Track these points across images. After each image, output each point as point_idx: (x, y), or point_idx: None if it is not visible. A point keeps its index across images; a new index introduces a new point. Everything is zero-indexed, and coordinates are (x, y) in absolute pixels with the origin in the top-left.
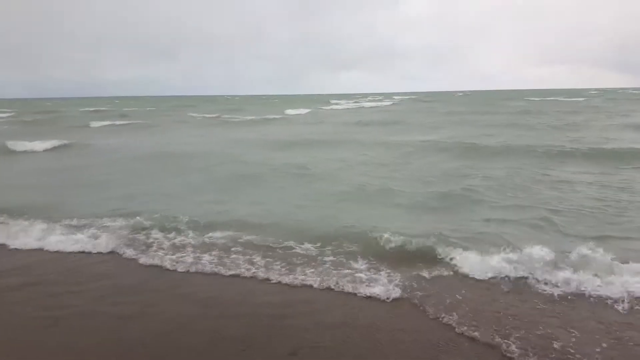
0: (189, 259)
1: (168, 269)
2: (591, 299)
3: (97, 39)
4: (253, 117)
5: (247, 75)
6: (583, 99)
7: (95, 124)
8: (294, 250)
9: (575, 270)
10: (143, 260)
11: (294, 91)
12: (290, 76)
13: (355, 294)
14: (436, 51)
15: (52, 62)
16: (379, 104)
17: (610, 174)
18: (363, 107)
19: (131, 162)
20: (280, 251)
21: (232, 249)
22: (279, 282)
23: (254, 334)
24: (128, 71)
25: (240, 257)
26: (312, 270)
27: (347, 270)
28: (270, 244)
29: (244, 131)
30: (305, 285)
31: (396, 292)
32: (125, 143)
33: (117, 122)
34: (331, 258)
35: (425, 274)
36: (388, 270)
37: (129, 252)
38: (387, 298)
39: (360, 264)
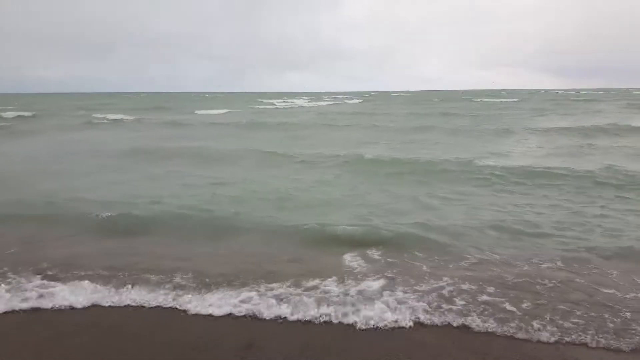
0: None
1: None
2: None
3: (30, 35)
4: (151, 117)
5: (192, 73)
6: (515, 99)
7: None
8: None
9: None
10: None
11: (240, 89)
12: (236, 75)
13: None
14: (380, 53)
15: None
16: (316, 103)
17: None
18: (295, 106)
19: None
20: None
21: None
22: None
23: None
24: (65, 67)
25: None
26: None
27: None
28: None
29: (109, 137)
30: None
31: None
32: None
33: None
34: None
35: None
36: None
37: None
38: None
39: None
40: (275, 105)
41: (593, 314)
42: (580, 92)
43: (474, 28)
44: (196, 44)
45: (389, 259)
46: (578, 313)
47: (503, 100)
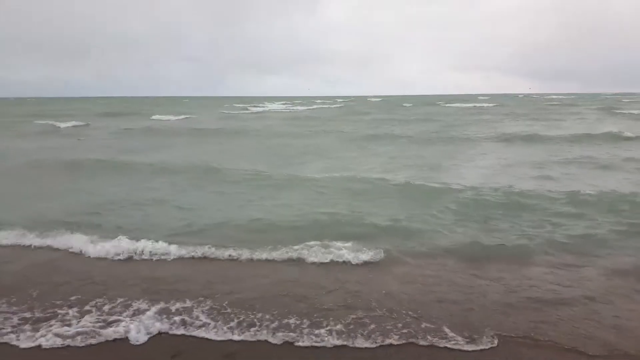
0: None
1: None
2: None
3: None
4: (103, 124)
5: (169, 76)
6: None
7: None
8: None
9: None
10: None
11: (219, 93)
12: (214, 78)
13: None
14: (358, 57)
15: None
16: (293, 108)
17: None
18: (268, 111)
19: None
20: None
21: None
22: None
23: None
24: (39, 71)
25: None
26: None
27: None
28: None
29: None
30: None
31: None
32: None
33: None
34: None
35: None
36: None
37: None
38: None
39: None
40: (249, 110)
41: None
42: (553, 97)
43: (453, 32)
44: (174, 47)
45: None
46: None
47: (486, 105)
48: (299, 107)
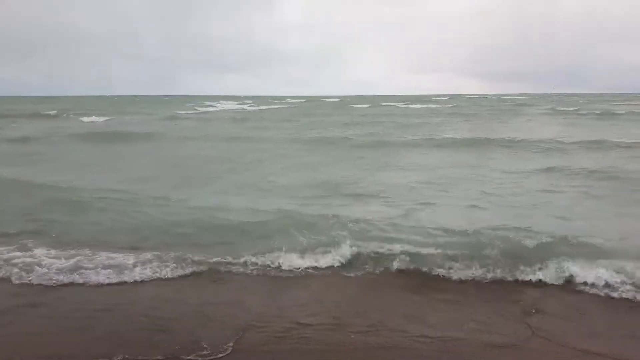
0: None
1: None
2: None
3: None
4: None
5: (123, 75)
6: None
7: None
8: None
9: None
10: None
11: (175, 92)
12: (168, 77)
13: None
14: (317, 58)
15: None
16: (242, 107)
17: None
18: (212, 111)
19: None
20: None
21: None
22: None
23: None
24: None
25: None
26: None
27: None
28: None
29: None
30: None
31: None
32: None
33: None
34: None
35: None
36: None
37: None
38: None
39: None
40: (196, 110)
41: None
42: (506, 97)
43: (410, 33)
44: (127, 45)
45: None
46: None
47: (441, 106)
48: (251, 108)
